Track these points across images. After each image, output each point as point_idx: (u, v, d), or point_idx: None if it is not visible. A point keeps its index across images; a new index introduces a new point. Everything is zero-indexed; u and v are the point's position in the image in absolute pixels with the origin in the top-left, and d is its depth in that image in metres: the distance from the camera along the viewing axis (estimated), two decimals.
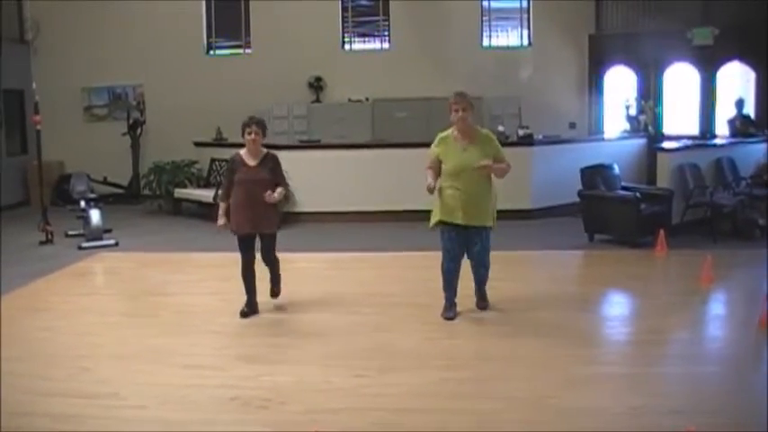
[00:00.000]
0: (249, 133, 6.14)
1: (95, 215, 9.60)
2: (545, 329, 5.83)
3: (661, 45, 12.92)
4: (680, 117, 13.30)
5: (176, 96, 13.80)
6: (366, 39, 14.36)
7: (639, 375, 4.89)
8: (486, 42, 14.22)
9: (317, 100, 14.02)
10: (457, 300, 6.22)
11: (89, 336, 5.88)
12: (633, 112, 12.96)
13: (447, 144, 6.02)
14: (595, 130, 13.79)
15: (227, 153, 10.19)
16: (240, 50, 14.41)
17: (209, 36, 14.36)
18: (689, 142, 10.73)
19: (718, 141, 11.28)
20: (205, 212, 11.09)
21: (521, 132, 11.11)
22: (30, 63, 12.71)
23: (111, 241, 9.53)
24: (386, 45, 14.26)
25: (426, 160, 6.13)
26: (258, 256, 6.35)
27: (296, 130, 13.39)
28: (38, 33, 13.80)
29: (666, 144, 10.47)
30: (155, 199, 12.60)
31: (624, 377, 4.88)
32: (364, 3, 14.29)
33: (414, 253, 8.38)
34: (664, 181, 9.55)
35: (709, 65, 12.82)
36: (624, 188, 9.48)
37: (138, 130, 13.84)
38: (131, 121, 13.77)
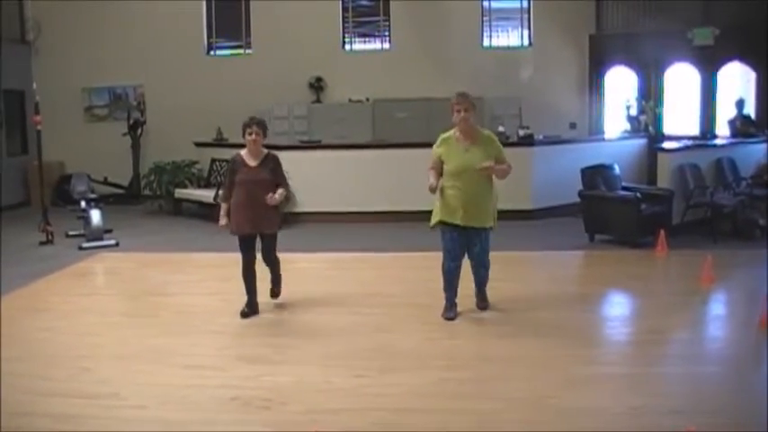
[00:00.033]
0: (250, 134, 6.15)
1: (96, 215, 9.60)
2: (545, 330, 5.83)
3: (661, 45, 12.91)
4: (680, 117, 13.29)
5: (177, 96, 13.81)
6: (366, 39, 14.37)
7: (640, 375, 4.89)
8: (486, 42, 14.22)
9: (318, 100, 14.02)
10: (457, 300, 6.22)
11: (89, 336, 5.88)
12: (634, 112, 12.96)
13: (449, 145, 6.02)
14: (596, 131, 13.79)
15: (227, 153, 10.21)
16: (240, 51, 14.41)
17: (209, 36, 14.37)
18: (689, 142, 10.73)
19: (718, 141, 11.27)
20: (205, 213, 11.10)
21: (521, 133, 11.12)
22: (30, 63, 12.72)
23: (112, 241, 9.54)
24: (386, 45, 14.27)
25: (428, 161, 6.14)
26: (259, 256, 6.36)
27: (296, 131, 13.40)
28: (39, 34, 13.80)
29: (667, 144, 10.48)
30: (155, 199, 12.61)
31: (624, 377, 4.87)
32: (365, 3, 14.30)
33: (414, 253, 8.38)
34: (664, 181, 9.55)
35: (709, 65, 12.81)
36: (625, 188, 9.48)
37: (139, 131, 13.85)
38: (132, 122, 13.78)
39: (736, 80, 12.83)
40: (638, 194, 9.06)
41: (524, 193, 10.57)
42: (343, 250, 8.95)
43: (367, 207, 10.82)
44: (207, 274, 7.99)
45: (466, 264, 6.20)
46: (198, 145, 12.49)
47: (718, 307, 6.81)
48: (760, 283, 6.86)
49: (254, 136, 6.14)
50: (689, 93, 13.24)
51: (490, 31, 14.21)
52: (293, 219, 10.56)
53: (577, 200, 9.50)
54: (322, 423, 4.15)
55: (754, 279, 7.27)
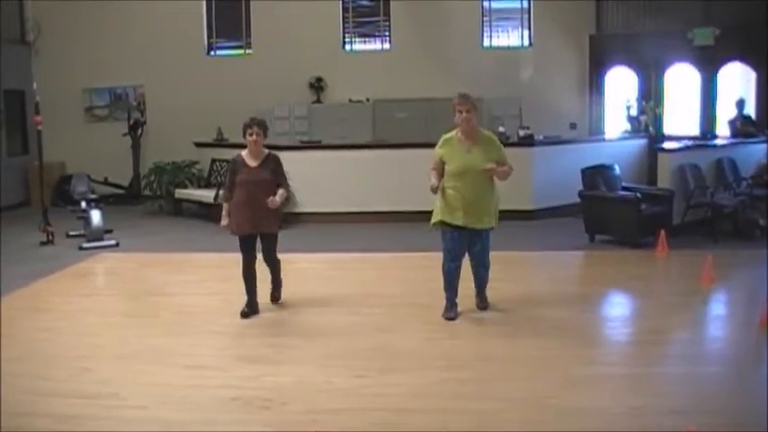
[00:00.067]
0: (251, 134, 6.16)
1: (96, 216, 9.61)
2: (546, 330, 5.83)
3: (662, 45, 12.91)
4: (681, 117, 13.29)
5: (177, 97, 13.80)
6: (367, 39, 14.36)
7: (640, 375, 4.89)
8: (486, 43, 14.22)
9: (318, 100, 14.02)
10: (457, 300, 6.22)
11: (90, 336, 5.88)
12: (634, 112, 12.96)
13: (451, 145, 6.03)
14: (596, 131, 13.78)
15: (227, 153, 10.22)
16: (241, 51, 14.41)
17: (209, 36, 14.37)
18: (690, 143, 10.72)
19: (718, 142, 11.26)
20: (206, 213, 11.10)
21: (521, 133, 11.11)
22: (31, 64, 12.70)
23: (112, 242, 9.54)
24: (386, 45, 14.26)
25: (430, 161, 6.15)
26: (259, 256, 6.36)
27: (297, 131, 13.39)
28: (39, 34, 13.80)
29: (667, 144, 10.47)
30: (155, 199, 12.61)
31: (624, 377, 4.88)
32: (365, 3, 14.30)
33: (414, 253, 8.38)
34: (664, 181, 9.55)
35: (709, 65, 12.81)
36: (625, 188, 9.48)
37: (139, 131, 13.84)
38: (132, 122, 13.77)
39: (736, 80, 12.83)
40: (639, 195, 9.06)
41: (525, 193, 10.56)
42: (343, 250, 8.95)
43: (367, 207, 10.82)
44: (207, 275, 7.99)
45: (466, 264, 6.21)
46: (198, 145, 12.49)
47: (718, 307, 6.81)
48: (760, 283, 6.86)
49: (254, 137, 6.16)
50: (689, 93, 13.24)
51: (490, 31, 14.20)
52: (293, 219, 10.56)
53: (578, 200, 9.50)
54: (322, 423, 4.15)
55: (755, 279, 7.26)
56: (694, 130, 12.83)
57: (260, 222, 6.18)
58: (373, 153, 11.23)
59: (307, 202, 10.87)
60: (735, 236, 9.33)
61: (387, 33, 14.22)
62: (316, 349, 5.48)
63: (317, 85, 13.96)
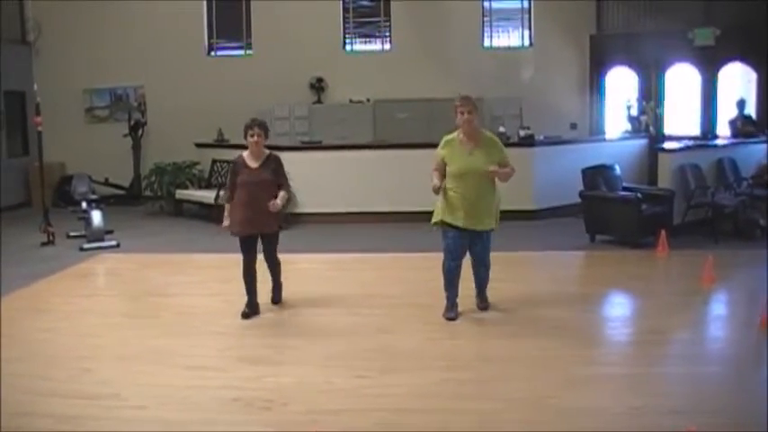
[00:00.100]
0: (252, 135, 6.17)
1: (97, 216, 9.61)
2: (546, 330, 5.83)
3: (662, 45, 12.91)
4: (681, 117, 13.29)
5: (177, 97, 13.80)
6: (367, 40, 14.37)
7: (640, 375, 4.89)
8: (487, 43, 14.22)
9: (319, 101, 14.03)
10: (458, 300, 6.22)
11: (90, 337, 5.89)
12: (634, 112, 12.96)
13: (453, 147, 6.04)
14: (597, 131, 13.79)
15: (228, 154, 10.24)
16: (241, 51, 14.41)
17: (210, 37, 14.37)
18: (690, 143, 10.72)
19: (719, 142, 11.27)
20: (206, 214, 11.11)
21: (522, 133, 11.11)
22: (31, 64, 12.73)
23: (113, 242, 9.54)
24: (387, 46, 14.27)
25: (430, 161, 6.15)
26: (260, 256, 6.36)
27: (297, 131, 13.39)
28: (39, 34, 13.81)
29: (668, 144, 10.47)
30: (156, 200, 12.61)
31: (625, 377, 4.88)
32: (365, 3, 14.30)
33: (415, 254, 8.38)
34: (665, 181, 9.55)
35: (710, 65, 12.81)
36: (625, 189, 9.48)
37: (140, 132, 13.84)
38: (132, 123, 13.78)
39: (736, 80, 12.83)
40: (639, 195, 9.06)
41: (525, 193, 10.56)
42: (343, 251, 8.96)
43: (368, 208, 10.82)
44: (208, 275, 7.99)
45: (467, 264, 6.21)
46: (199, 146, 12.49)
47: (718, 307, 6.81)
48: (761, 283, 6.86)
49: (255, 138, 6.16)
50: (690, 93, 13.24)
51: (491, 31, 14.21)
52: (294, 219, 10.56)
53: (578, 200, 9.50)
54: (323, 423, 4.16)
55: (755, 279, 7.26)
56: (695, 130, 12.84)
57: (260, 223, 6.19)
58: (374, 153, 11.23)
59: (307, 202, 10.88)
60: (735, 236, 9.32)
61: (387, 34, 14.23)
62: (316, 350, 5.48)
63: (318, 86, 13.96)
